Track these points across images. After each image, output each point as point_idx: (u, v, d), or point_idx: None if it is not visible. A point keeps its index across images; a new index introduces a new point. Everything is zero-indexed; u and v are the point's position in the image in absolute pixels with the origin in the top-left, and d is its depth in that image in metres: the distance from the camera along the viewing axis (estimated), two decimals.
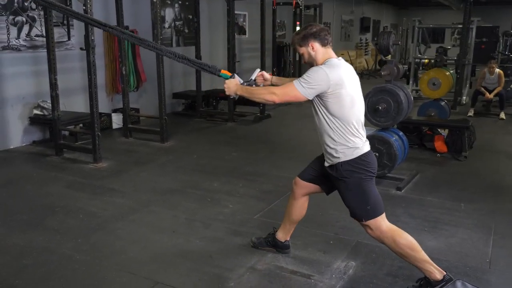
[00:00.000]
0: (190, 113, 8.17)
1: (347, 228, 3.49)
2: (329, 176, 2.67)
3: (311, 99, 2.50)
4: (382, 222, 2.57)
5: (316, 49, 2.55)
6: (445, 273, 2.53)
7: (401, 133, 4.80)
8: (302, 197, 2.91)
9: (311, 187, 2.86)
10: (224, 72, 2.77)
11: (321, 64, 2.52)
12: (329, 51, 2.58)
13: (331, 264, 2.99)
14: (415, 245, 2.54)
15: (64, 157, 5.37)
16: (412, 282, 2.73)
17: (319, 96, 2.47)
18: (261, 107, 7.83)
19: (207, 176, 4.78)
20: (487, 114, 8.62)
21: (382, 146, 4.47)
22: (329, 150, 2.58)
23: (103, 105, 6.81)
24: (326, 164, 2.65)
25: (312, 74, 2.44)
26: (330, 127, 2.53)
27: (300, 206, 2.93)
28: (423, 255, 2.54)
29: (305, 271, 2.90)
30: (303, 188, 2.87)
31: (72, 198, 4.11)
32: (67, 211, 3.80)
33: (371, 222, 2.56)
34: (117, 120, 6.89)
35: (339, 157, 2.55)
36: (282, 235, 3.07)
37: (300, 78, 2.47)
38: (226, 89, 2.70)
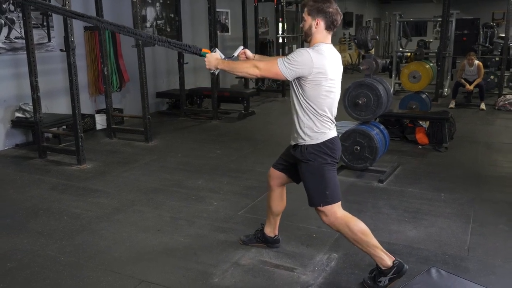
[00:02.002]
0: (174, 112, 8.17)
1: None
2: (295, 160, 2.69)
3: (290, 80, 2.50)
4: (337, 209, 2.62)
5: (319, 27, 2.50)
6: (394, 258, 2.60)
7: (382, 127, 4.87)
8: (278, 187, 2.95)
9: (284, 177, 2.90)
10: (205, 50, 2.69)
11: (314, 45, 2.51)
12: (329, 36, 2.55)
13: (314, 257, 3.04)
14: (367, 231, 2.60)
15: (48, 160, 5.35)
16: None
17: (299, 79, 2.48)
18: (245, 105, 7.87)
19: (191, 174, 4.81)
20: (468, 105, 8.77)
21: (363, 139, 4.54)
22: (297, 130, 2.61)
23: (86, 106, 6.79)
24: (292, 143, 2.68)
25: (297, 56, 2.42)
26: (302, 108, 2.55)
27: (278, 197, 2.98)
28: (374, 241, 2.61)
29: (289, 264, 2.96)
30: (276, 178, 2.92)
31: (56, 200, 4.11)
32: (50, 214, 3.80)
33: (327, 208, 2.59)
34: (100, 121, 6.86)
35: (304, 140, 2.58)
36: (270, 230, 3.11)
37: (285, 57, 2.45)
38: (206, 63, 2.63)
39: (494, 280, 2.74)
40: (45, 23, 6.24)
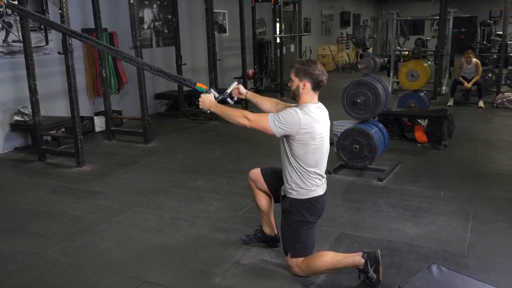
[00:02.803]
0: (173, 113, 8.17)
1: (330, 220, 3.56)
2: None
3: (278, 137, 2.60)
4: (300, 260, 2.70)
5: (306, 89, 2.60)
6: (361, 253, 2.63)
7: (380, 125, 4.88)
8: (258, 188, 3.00)
9: (263, 186, 2.95)
10: (200, 85, 2.80)
11: (302, 105, 2.60)
12: (316, 96, 2.65)
13: None
14: (326, 255, 2.66)
15: (47, 162, 5.35)
16: (392, 269, 2.81)
17: (287, 137, 2.58)
18: (244, 105, 7.87)
19: (191, 175, 4.81)
20: (466, 103, 8.78)
21: (362, 138, 4.55)
22: (285, 183, 2.71)
23: (85, 109, 6.79)
24: (282, 193, 2.78)
25: (287, 116, 2.52)
26: (290, 164, 2.64)
27: (262, 196, 3.01)
28: (337, 258, 2.64)
29: None
30: (256, 181, 2.97)
31: (56, 202, 4.11)
32: (51, 216, 3.80)
33: (293, 260, 2.71)
34: (99, 123, 6.86)
35: (291, 193, 2.67)
36: (269, 230, 3.13)
37: (275, 114, 2.56)
38: (200, 104, 2.74)
39: (494, 277, 2.75)
40: (42, 26, 6.24)
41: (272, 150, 5.73)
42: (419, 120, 6.10)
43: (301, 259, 2.70)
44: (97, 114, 7.08)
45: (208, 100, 2.73)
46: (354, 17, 19.29)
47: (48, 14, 6.24)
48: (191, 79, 2.87)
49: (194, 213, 3.82)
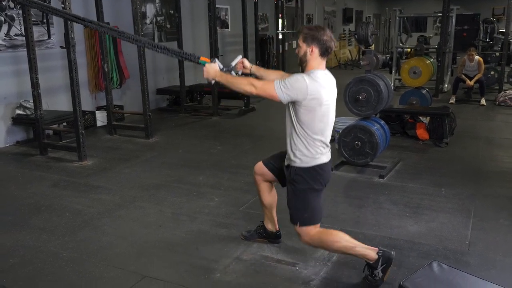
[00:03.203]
0: (174, 108, 8.17)
1: (331, 216, 3.57)
2: (285, 175, 2.75)
3: (285, 103, 2.55)
4: (312, 229, 2.67)
5: (314, 54, 2.55)
6: (377, 249, 2.62)
7: (382, 122, 4.88)
8: (264, 182, 2.99)
9: (269, 175, 2.94)
10: (203, 59, 2.75)
11: (309, 71, 2.55)
12: (323, 62, 2.60)
13: (315, 252, 3.05)
14: (342, 237, 2.64)
15: (49, 156, 5.36)
16: (393, 266, 2.79)
17: (293, 103, 2.53)
18: (246, 101, 7.87)
19: (192, 170, 4.82)
20: (468, 101, 8.77)
21: (363, 135, 4.55)
22: (289, 151, 2.66)
23: (87, 103, 6.79)
24: (285, 163, 2.74)
25: (293, 82, 2.47)
26: (295, 132, 2.59)
27: (266, 190, 3.00)
28: (351, 242, 2.63)
29: (290, 259, 2.97)
30: (262, 174, 2.96)
31: (58, 196, 4.12)
32: (52, 210, 3.81)
33: (302, 229, 2.67)
34: (101, 118, 6.86)
35: (295, 162, 2.62)
36: (271, 226, 3.13)
37: (281, 80, 2.50)
38: (205, 73, 2.68)
39: (495, 274, 2.75)
40: (45, 20, 6.23)
41: (273, 145, 5.72)
42: (421, 118, 6.09)
43: (313, 229, 2.65)
44: (98, 108, 7.08)
45: (213, 69, 2.67)
46: (357, 13, 19.24)
47: None
48: (195, 54, 2.82)
49: (195, 208, 3.82)
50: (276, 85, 2.48)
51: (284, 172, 2.78)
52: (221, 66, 2.73)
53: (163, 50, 2.84)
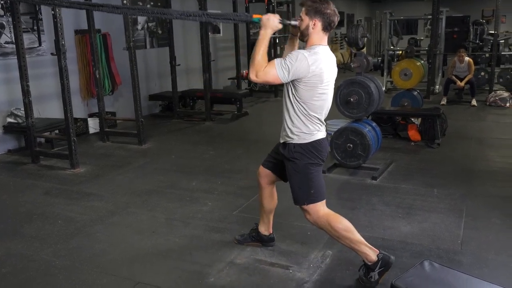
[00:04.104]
0: (167, 114, 8.15)
1: None
2: (282, 157, 2.71)
3: (286, 82, 2.51)
4: (320, 207, 2.65)
5: (316, 28, 2.50)
6: (378, 251, 2.62)
7: (374, 124, 4.90)
8: (268, 185, 2.98)
9: (272, 175, 2.93)
10: (257, 16, 2.61)
11: (310, 46, 2.51)
12: (325, 37, 2.55)
13: (308, 254, 3.06)
14: (349, 228, 2.63)
15: (41, 164, 5.33)
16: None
17: (293, 80, 2.49)
18: (238, 106, 7.88)
19: (185, 175, 4.81)
20: (460, 102, 8.83)
21: (355, 137, 4.57)
22: (286, 128, 2.63)
23: (79, 110, 6.77)
24: (281, 140, 2.71)
25: (294, 60, 2.42)
26: (294, 108, 2.56)
27: (268, 195, 3.00)
28: (358, 237, 2.63)
29: (284, 262, 2.97)
30: (265, 176, 2.95)
31: (50, 204, 4.09)
32: (45, 218, 3.78)
33: (310, 207, 2.63)
34: (93, 125, 6.84)
35: (293, 139, 2.61)
36: (264, 229, 3.13)
37: (282, 62, 2.43)
38: (265, 19, 2.50)
39: (487, 273, 2.76)
40: (35, 27, 6.22)
41: (267, 149, 5.68)
42: (412, 119, 6.13)
43: (320, 206, 2.62)
44: (91, 115, 7.06)
45: (274, 21, 2.49)
46: (348, 17, 19.34)
47: (41, 15, 6.21)
48: (244, 12, 2.66)
49: (188, 213, 3.81)
50: (277, 68, 2.43)
51: (283, 166, 2.75)
52: (280, 19, 2.54)
53: (202, 16, 2.66)
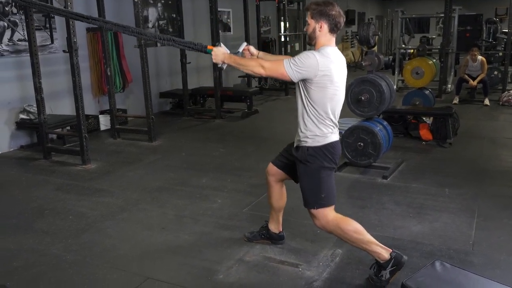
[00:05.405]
0: (177, 111, 8.18)
1: None
2: (294, 159, 2.71)
3: (295, 81, 2.52)
4: (329, 212, 2.65)
5: (323, 30, 2.52)
6: (391, 250, 2.60)
7: (385, 123, 4.87)
8: (277, 183, 2.97)
9: (282, 173, 2.92)
10: (210, 47, 2.71)
11: (319, 48, 2.52)
12: (333, 38, 2.57)
13: (318, 252, 3.05)
14: (359, 229, 2.62)
15: (52, 160, 5.38)
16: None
17: (304, 81, 2.49)
18: (249, 103, 7.87)
19: (195, 172, 4.82)
20: (472, 101, 8.74)
21: (366, 136, 4.54)
22: (300, 132, 2.64)
23: (90, 107, 6.82)
24: (295, 144, 2.71)
25: (303, 59, 2.43)
26: (306, 111, 2.57)
27: (278, 193, 2.99)
28: (368, 237, 2.61)
29: (293, 260, 2.96)
30: (275, 174, 2.94)
31: (61, 200, 4.13)
32: (56, 213, 3.82)
33: (319, 211, 2.63)
34: (104, 122, 6.89)
35: (306, 142, 2.60)
36: (274, 227, 3.12)
37: (291, 58, 2.47)
38: (213, 57, 2.65)
39: (499, 274, 2.73)
40: (47, 25, 6.27)
41: (277, 147, 5.69)
42: (424, 118, 6.07)
43: (329, 210, 2.62)
44: (102, 112, 7.11)
45: (221, 52, 2.63)
46: (359, 15, 19.23)
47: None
48: (202, 43, 2.78)
49: (198, 210, 3.82)
50: (285, 63, 2.45)
51: (294, 166, 2.75)
52: (228, 51, 2.68)
53: (169, 41, 2.81)
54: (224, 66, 2.71)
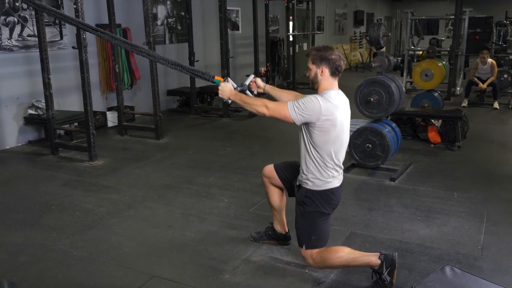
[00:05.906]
0: (185, 109, 8.19)
1: (341, 219, 3.54)
2: (294, 194, 2.76)
3: (298, 124, 2.55)
4: (314, 251, 2.65)
5: (324, 75, 2.56)
6: (378, 253, 2.59)
7: (393, 124, 4.83)
8: (272, 185, 2.98)
9: (278, 182, 2.93)
10: (218, 78, 2.78)
11: (322, 92, 2.55)
12: (335, 82, 2.60)
13: None
14: (341, 251, 2.63)
15: (60, 156, 5.39)
16: (404, 269, 2.78)
17: (307, 124, 2.52)
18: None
19: (202, 171, 4.81)
20: (481, 104, 8.67)
21: (375, 137, 4.51)
22: (301, 173, 2.66)
23: (98, 104, 6.83)
24: (297, 183, 2.73)
25: (307, 103, 2.46)
26: (308, 154, 2.59)
27: (276, 193, 2.99)
28: (353, 254, 2.61)
29: (300, 261, 2.93)
30: (270, 178, 2.95)
31: (68, 196, 4.14)
32: (63, 209, 3.83)
33: (307, 252, 2.66)
34: (112, 118, 6.90)
35: (307, 184, 2.62)
36: (279, 227, 3.11)
37: (295, 101, 2.50)
38: (220, 93, 2.70)
39: (509, 280, 2.70)
40: (57, 21, 6.28)
41: (284, 147, 5.73)
42: (432, 120, 6.03)
43: (316, 250, 2.65)
44: (109, 109, 7.12)
45: (228, 88, 2.69)
46: (368, 16, 19.17)
47: (63, 9, 6.28)
48: (210, 73, 2.84)
49: (204, 209, 3.81)
50: (289, 106, 2.49)
51: (294, 186, 2.78)
52: (235, 85, 2.75)
53: (176, 66, 2.85)
54: (229, 101, 2.76)
